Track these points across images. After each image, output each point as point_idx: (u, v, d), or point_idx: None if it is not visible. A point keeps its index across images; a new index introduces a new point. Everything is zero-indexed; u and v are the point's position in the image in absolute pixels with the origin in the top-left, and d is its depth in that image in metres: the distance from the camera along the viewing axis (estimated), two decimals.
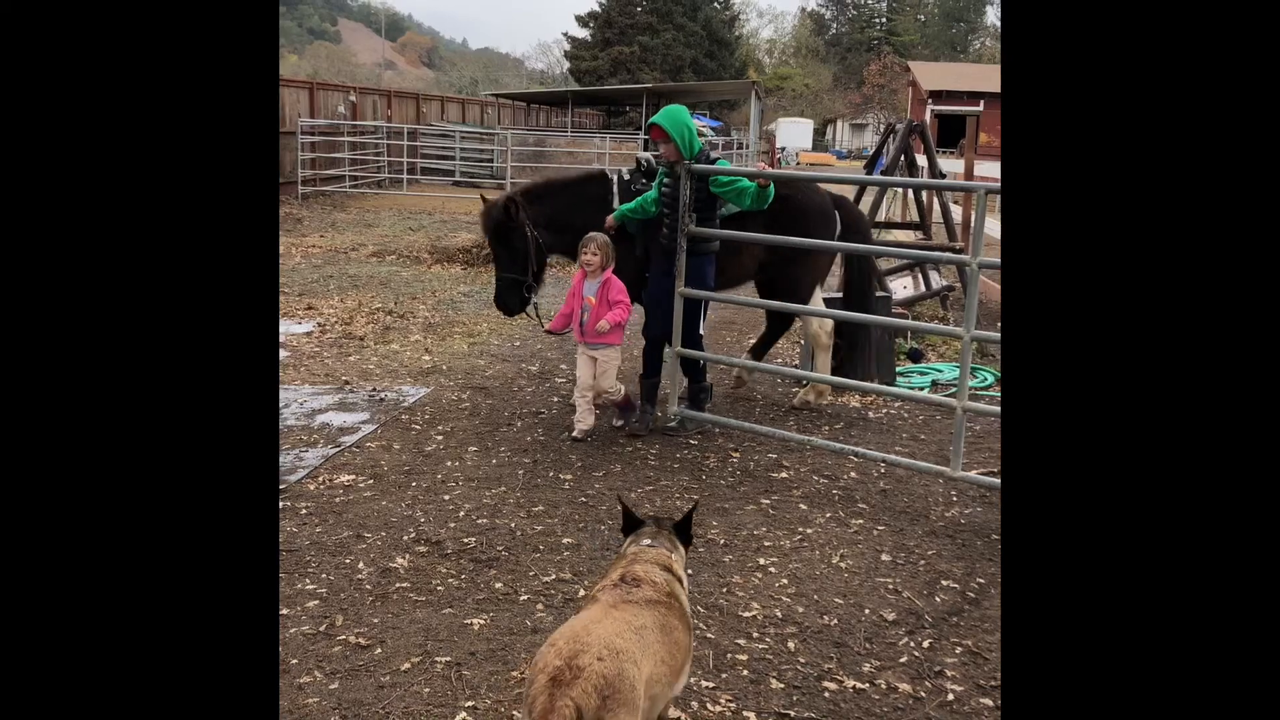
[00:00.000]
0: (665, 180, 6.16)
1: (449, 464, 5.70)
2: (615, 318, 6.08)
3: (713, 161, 6.14)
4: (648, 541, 3.05)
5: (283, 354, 8.11)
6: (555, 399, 7.13)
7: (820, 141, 64.64)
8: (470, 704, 3.32)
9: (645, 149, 7.01)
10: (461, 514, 4.97)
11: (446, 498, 5.19)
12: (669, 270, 6.23)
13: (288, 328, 9.09)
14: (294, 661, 3.52)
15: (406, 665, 3.56)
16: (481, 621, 3.88)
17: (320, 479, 5.38)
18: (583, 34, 59.82)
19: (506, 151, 24.08)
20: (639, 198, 6.35)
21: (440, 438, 6.17)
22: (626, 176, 6.73)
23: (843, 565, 4.56)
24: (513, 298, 6.52)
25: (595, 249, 6.11)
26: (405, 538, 4.66)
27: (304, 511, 4.92)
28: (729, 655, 3.67)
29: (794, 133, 54.35)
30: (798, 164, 44.29)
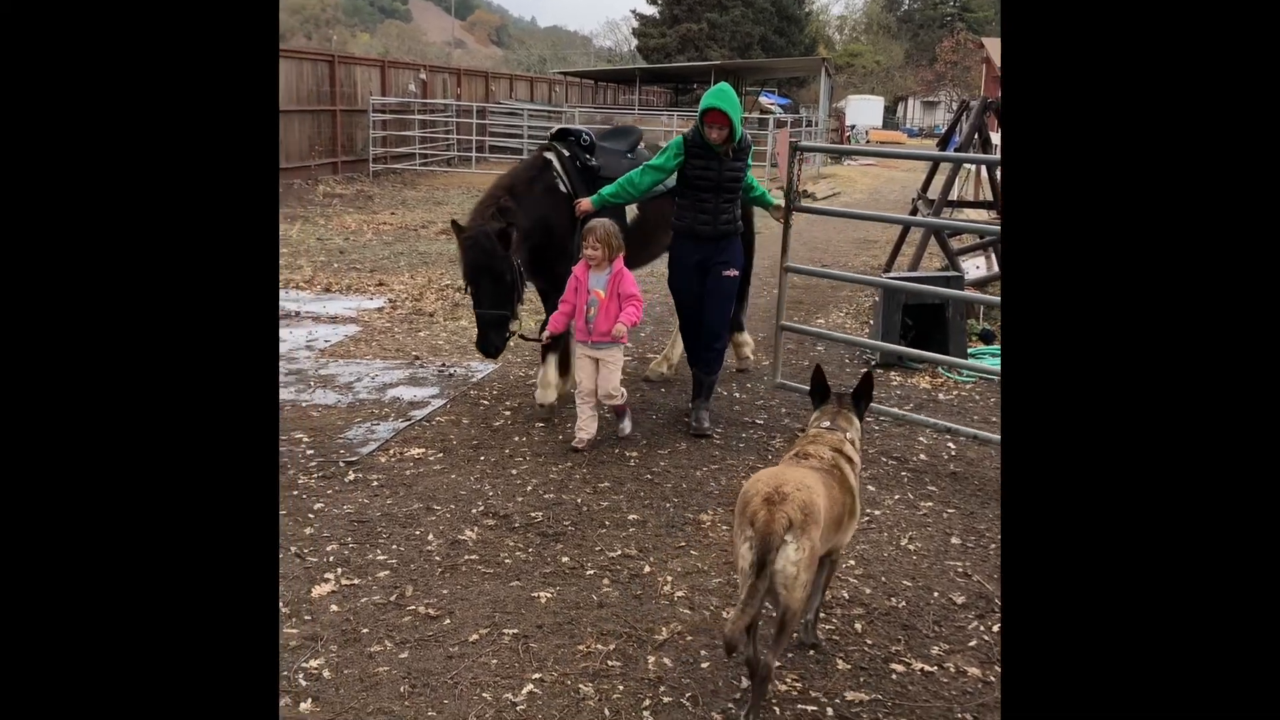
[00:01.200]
0: (696, 162, 5.65)
1: (516, 439, 5.75)
2: (630, 318, 5.40)
3: (750, 142, 5.83)
4: (827, 424, 3.62)
5: (354, 329, 8.24)
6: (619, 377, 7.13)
7: (890, 119, 63.67)
8: (537, 676, 3.35)
9: (701, 131, 5.78)
10: (529, 489, 5.01)
11: (514, 472, 5.23)
12: (703, 257, 5.77)
13: (360, 303, 9.23)
14: (364, 630, 3.59)
15: (475, 636, 3.60)
16: (548, 595, 3.91)
17: (391, 452, 5.46)
18: (651, 11, 59.52)
19: None
20: (622, 178, 5.78)
21: (508, 413, 6.22)
22: (567, 152, 6.18)
23: (911, 548, 4.51)
24: (500, 337, 5.76)
25: (596, 240, 5.37)
26: (474, 511, 4.71)
27: (375, 483, 5.00)
28: (795, 635, 3.66)
29: (864, 110, 53.55)
30: (868, 141, 43.63)
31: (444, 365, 7.25)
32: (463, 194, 18.57)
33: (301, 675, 3.31)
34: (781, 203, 6.25)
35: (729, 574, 4.18)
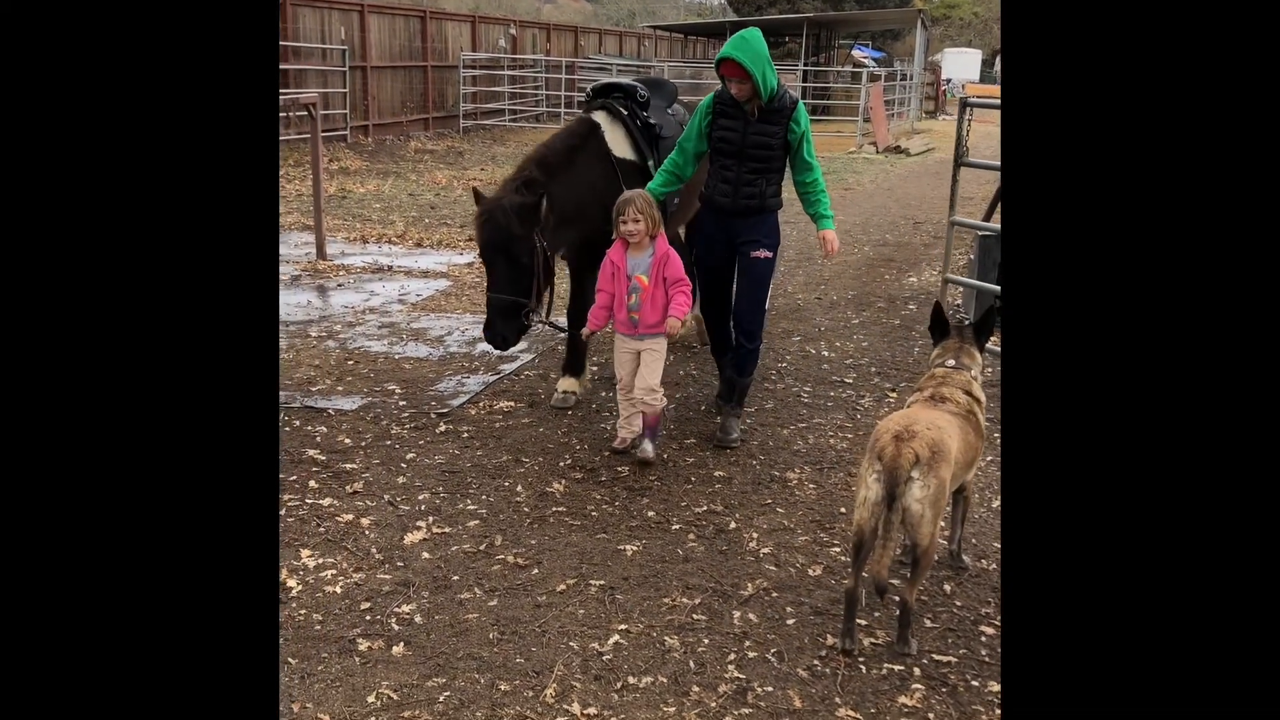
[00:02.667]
0: (723, 122, 4.80)
1: (603, 394, 5.78)
2: (682, 308, 4.62)
3: (794, 102, 4.79)
4: (951, 362, 3.70)
5: (445, 283, 8.35)
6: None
7: (988, 73, 61.72)
8: (623, 627, 3.39)
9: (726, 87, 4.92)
10: (615, 442, 5.03)
11: (601, 426, 5.27)
12: (729, 233, 4.93)
13: (450, 258, 9.35)
14: (455, 578, 3.66)
15: (562, 587, 3.65)
16: (634, 548, 3.94)
17: (481, 404, 5.55)
18: None
19: None
20: (666, 164, 5.01)
21: (595, 368, 6.25)
22: (624, 110, 5.43)
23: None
24: (510, 327, 4.93)
25: (636, 212, 4.56)
26: (561, 464, 4.76)
27: (465, 435, 5.09)
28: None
29: (960, 63, 51.97)
30: (963, 95, 42.40)
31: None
32: None
33: (394, 620, 3.40)
34: (832, 228, 4.96)
35: (816, 532, 4.16)
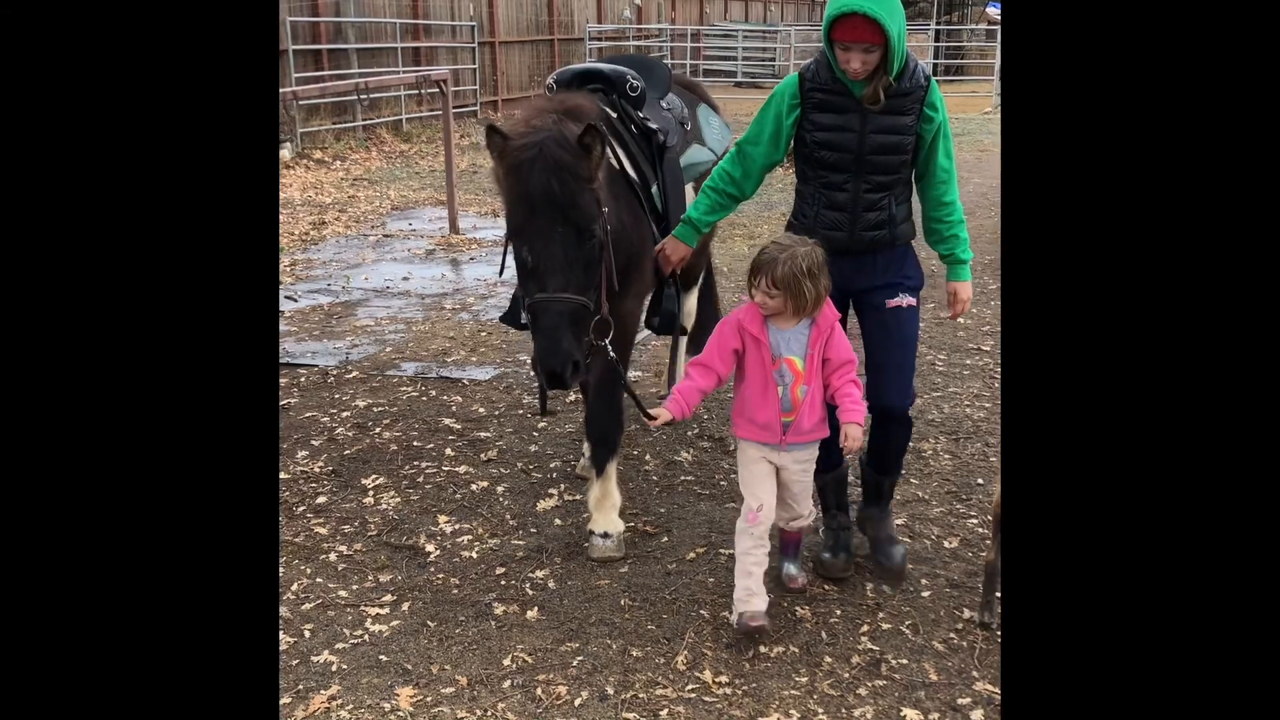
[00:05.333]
0: (822, 117, 3.19)
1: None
2: (858, 407, 3.12)
3: (927, 79, 3.22)
4: None
5: None
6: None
7: None
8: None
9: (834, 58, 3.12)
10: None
11: (729, 397, 5.24)
12: (844, 283, 3.26)
13: None
14: (587, 544, 3.71)
15: (692, 555, 3.67)
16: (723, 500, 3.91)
17: None
18: None
19: (789, 49, 23.54)
20: (713, 179, 3.45)
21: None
22: (613, 113, 3.76)
23: None
24: (576, 349, 3.03)
25: (772, 284, 3.02)
26: (689, 433, 4.76)
27: None
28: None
29: None
30: None
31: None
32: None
33: (529, 585, 3.47)
34: (968, 277, 3.44)
35: (951, 504, 4.05)
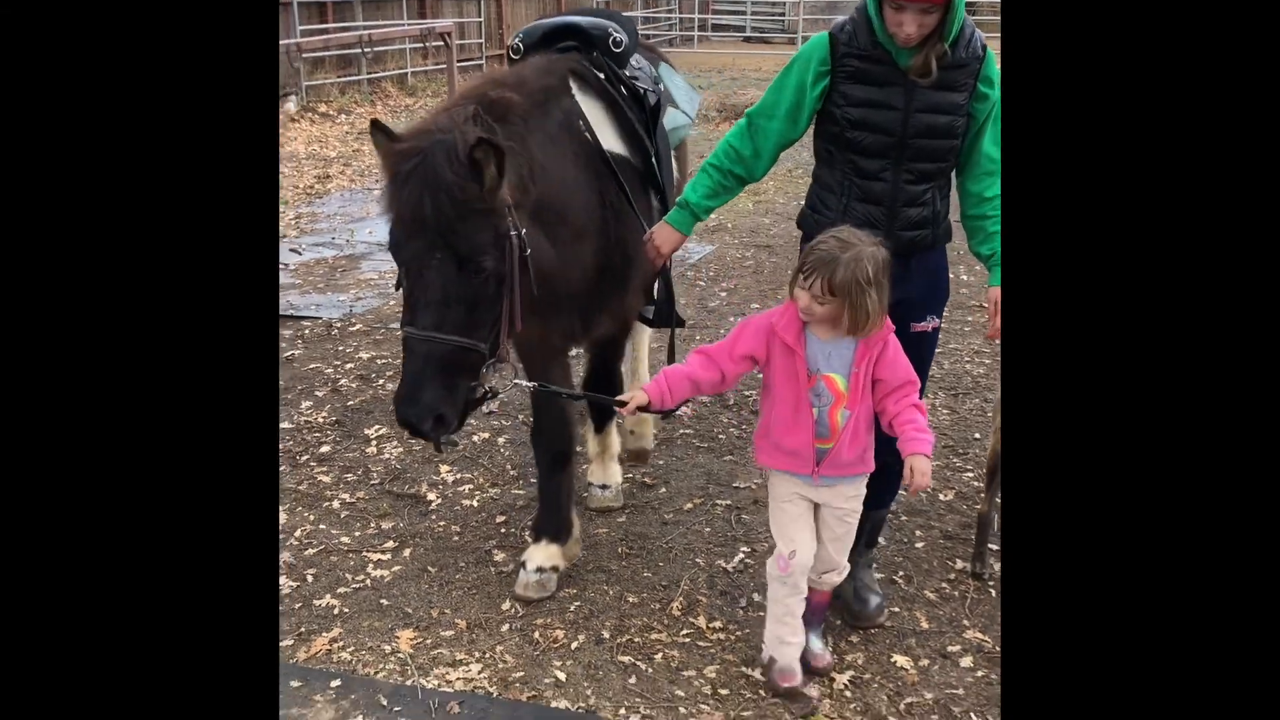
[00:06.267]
0: (855, 89, 2.67)
1: (732, 319, 5.77)
2: (923, 436, 2.54)
3: (984, 48, 2.67)
4: None
5: None
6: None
7: None
8: (747, 548, 3.43)
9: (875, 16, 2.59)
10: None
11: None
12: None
13: None
14: (584, 494, 3.76)
15: (689, 505, 3.72)
16: (760, 476, 3.96)
17: None
18: None
19: (799, 4, 23.28)
20: (716, 158, 2.90)
21: (724, 294, 6.24)
22: (599, 73, 3.19)
23: None
24: (452, 398, 2.53)
25: (826, 287, 2.46)
26: None
27: None
28: None
29: None
30: None
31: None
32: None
33: (528, 533, 3.52)
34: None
35: (949, 457, 4.10)
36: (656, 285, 3.43)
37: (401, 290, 2.58)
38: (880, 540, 3.26)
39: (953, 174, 2.85)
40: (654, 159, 3.27)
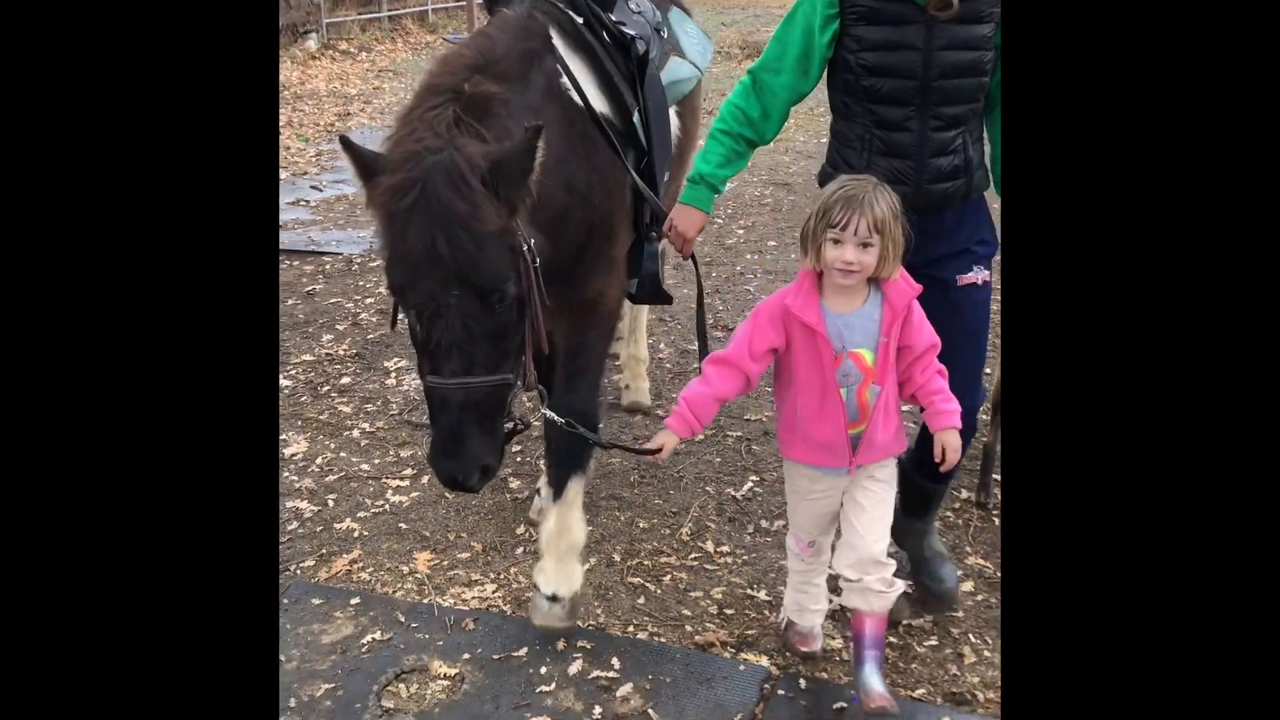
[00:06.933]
0: (868, 31, 2.43)
1: (748, 257, 5.80)
2: (951, 409, 2.36)
3: None
4: None
5: None
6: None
7: None
8: (756, 477, 3.51)
9: None
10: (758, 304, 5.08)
11: (746, 289, 5.31)
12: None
13: None
14: (600, 425, 3.84)
15: (700, 436, 3.79)
16: (771, 408, 4.03)
17: None
18: None
19: None
20: (725, 119, 2.64)
21: (741, 231, 6.26)
22: (578, 18, 2.82)
23: None
24: (491, 445, 2.30)
25: (870, 225, 2.20)
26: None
27: None
28: None
29: None
30: None
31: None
32: (706, 10, 18.05)
33: (542, 462, 3.61)
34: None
35: None
36: (643, 250, 3.04)
37: (411, 335, 2.28)
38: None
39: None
40: (638, 117, 2.86)
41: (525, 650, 2.68)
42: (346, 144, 2.24)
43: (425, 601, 2.88)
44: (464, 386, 2.20)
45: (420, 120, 2.23)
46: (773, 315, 2.35)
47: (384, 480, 3.53)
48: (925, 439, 2.55)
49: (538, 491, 3.32)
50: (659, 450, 2.39)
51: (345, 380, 4.30)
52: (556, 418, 2.52)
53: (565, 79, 2.63)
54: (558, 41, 2.70)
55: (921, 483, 2.71)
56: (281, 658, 2.60)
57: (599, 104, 2.73)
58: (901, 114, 2.46)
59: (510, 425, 2.37)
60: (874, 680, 2.34)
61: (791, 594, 2.64)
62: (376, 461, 3.66)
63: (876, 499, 2.42)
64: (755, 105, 2.62)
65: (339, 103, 10.41)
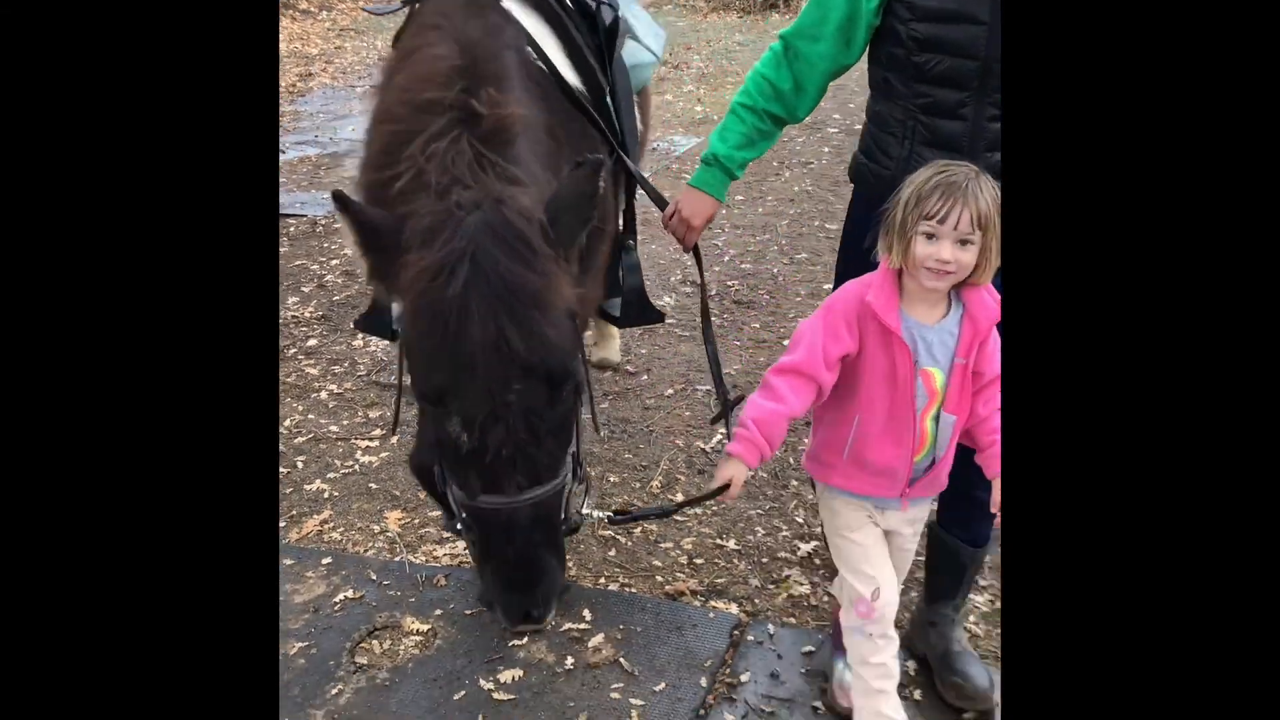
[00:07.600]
0: (928, 1, 2.05)
1: (725, 227, 5.79)
2: (997, 456, 1.97)
3: None
4: None
5: None
6: (825, 149, 6.97)
7: None
8: (724, 430, 3.53)
9: None
10: (726, 259, 5.09)
11: (715, 243, 5.31)
12: None
13: None
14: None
15: (670, 391, 3.81)
16: (741, 359, 4.05)
17: None
18: None
19: None
20: (746, 97, 2.32)
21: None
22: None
23: None
24: (563, 562, 1.91)
25: (979, 219, 1.81)
26: (672, 279, 4.85)
27: None
28: None
29: None
30: None
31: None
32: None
33: None
34: None
35: None
36: (620, 270, 2.73)
37: (441, 448, 1.81)
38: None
39: None
40: (608, 97, 2.52)
41: None
42: (344, 204, 1.71)
43: (397, 559, 2.89)
44: (537, 504, 1.76)
45: (427, 159, 1.77)
46: (849, 309, 1.96)
47: (353, 441, 3.52)
48: (958, 494, 2.21)
49: None
50: (727, 487, 1.97)
51: (312, 342, 4.27)
52: (604, 515, 2.14)
53: (530, 47, 2.27)
54: (512, 5, 2.34)
55: (958, 548, 2.34)
56: None
57: (573, 79, 2.38)
58: (956, 98, 2.08)
59: (566, 529, 1.93)
60: (849, 675, 2.18)
61: (865, 702, 2.09)
62: (345, 423, 3.65)
63: (907, 555, 2.19)
64: (787, 77, 2.26)
65: (300, 63, 10.25)
